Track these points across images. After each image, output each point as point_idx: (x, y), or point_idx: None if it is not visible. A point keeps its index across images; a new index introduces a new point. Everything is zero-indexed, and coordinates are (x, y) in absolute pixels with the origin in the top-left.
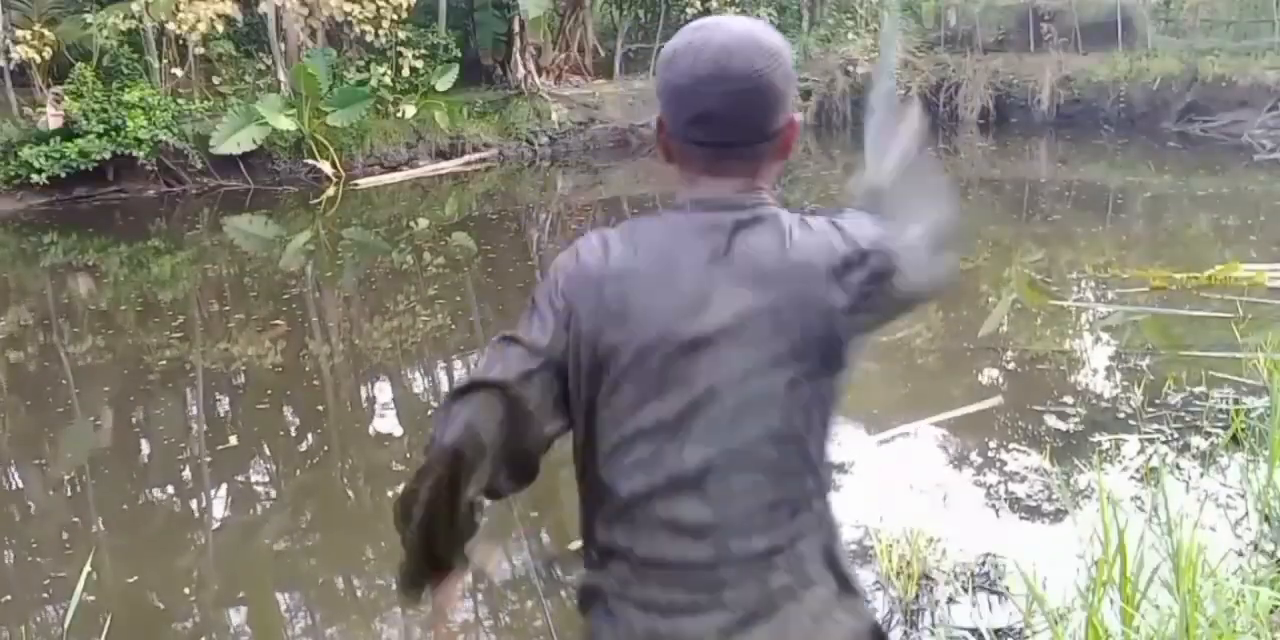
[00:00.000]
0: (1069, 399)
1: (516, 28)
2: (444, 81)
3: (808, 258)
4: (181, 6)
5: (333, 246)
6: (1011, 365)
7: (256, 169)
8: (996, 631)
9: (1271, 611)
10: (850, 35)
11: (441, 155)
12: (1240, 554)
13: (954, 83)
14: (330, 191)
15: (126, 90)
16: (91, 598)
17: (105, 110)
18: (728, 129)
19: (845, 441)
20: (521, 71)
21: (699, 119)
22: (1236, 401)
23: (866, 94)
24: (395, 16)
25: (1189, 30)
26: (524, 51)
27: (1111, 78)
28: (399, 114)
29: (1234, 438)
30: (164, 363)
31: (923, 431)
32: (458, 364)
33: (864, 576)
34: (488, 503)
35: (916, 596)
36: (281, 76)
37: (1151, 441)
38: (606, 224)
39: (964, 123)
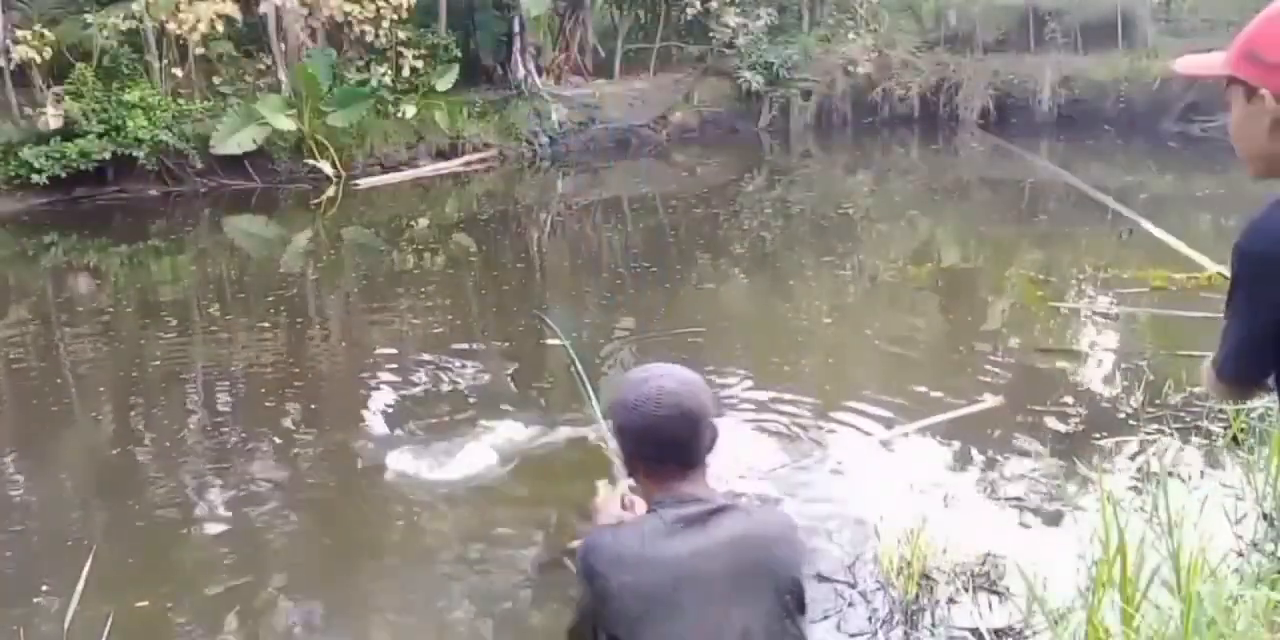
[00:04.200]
0: (1069, 399)
1: (516, 28)
2: (444, 82)
3: None
4: (182, 6)
5: (333, 247)
6: (1012, 365)
7: (257, 169)
8: (996, 631)
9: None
10: (850, 35)
11: (441, 155)
12: (1240, 554)
13: (954, 83)
14: (330, 192)
15: (126, 90)
16: (92, 597)
17: (105, 110)
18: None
19: (847, 441)
20: (521, 71)
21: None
22: (1235, 401)
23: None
24: (395, 16)
25: (1189, 30)
26: (524, 51)
27: (1111, 78)
28: (399, 114)
29: (1234, 438)
30: (163, 363)
31: (923, 432)
32: (457, 364)
33: (864, 576)
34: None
35: (916, 596)
36: (281, 76)
37: (1151, 441)
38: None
39: (964, 123)
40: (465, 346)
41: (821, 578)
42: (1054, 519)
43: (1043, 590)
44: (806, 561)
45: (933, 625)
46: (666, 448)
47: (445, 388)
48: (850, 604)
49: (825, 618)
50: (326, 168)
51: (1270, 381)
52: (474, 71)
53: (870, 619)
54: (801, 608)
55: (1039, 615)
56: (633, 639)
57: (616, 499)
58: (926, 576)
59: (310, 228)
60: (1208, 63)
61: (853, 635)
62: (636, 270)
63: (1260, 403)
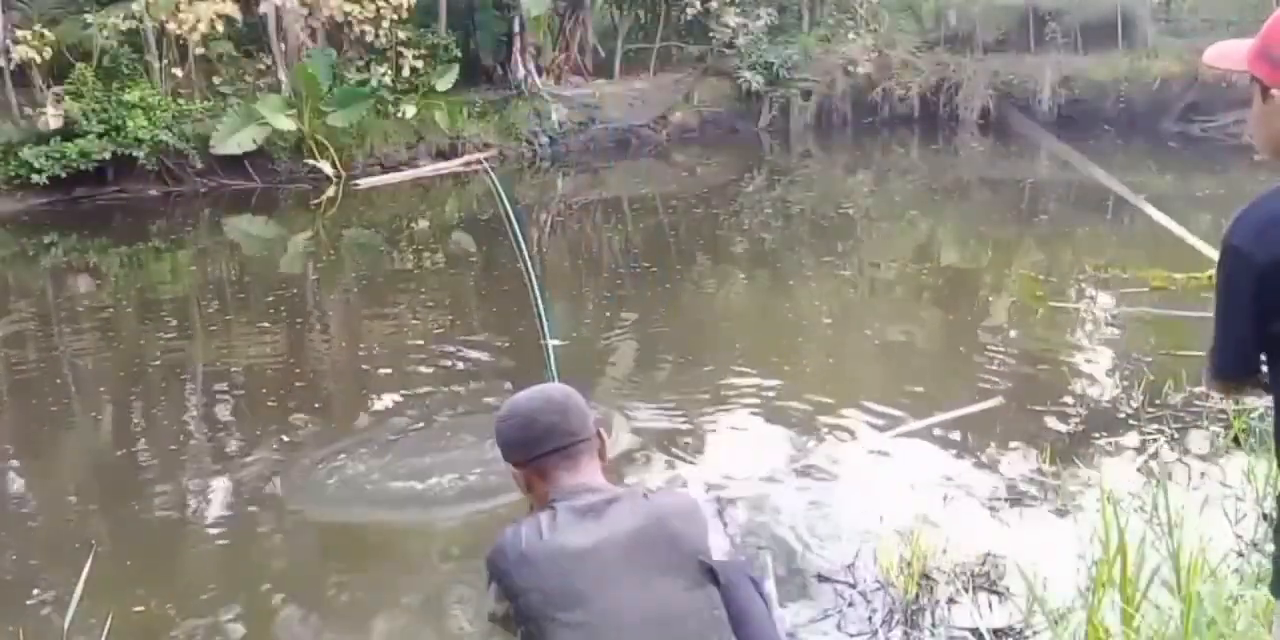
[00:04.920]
0: (1069, 399)
1: (516, 28)
2: (444, 81)
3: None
4: (181, 6)
5: (333, 246)
6: (1012, 365)
7: (257, 169)
8: (996, 631)
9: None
10: (850, 35)
11: (441, 155)
12: (1240, 554)
13: (954, 83)
14: (330, 192)
15: (126, 90)
16: (91, 597)
17: (105, 110)
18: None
19: (847, 442)
20: (521, 71)
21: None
22: (1236, 401)
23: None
24: (395, 16)
25: (1189, 30)
26: (524, 51)
27: (1112, 78)
28: (399, 114)
29: (1234, 438)
30: (163, 363)
31: (923, 432)
32: (457, 364)
33: (864, 576)
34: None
35: (916, 596)
36: (281, 76)
37: (1152, 441)
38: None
39: (964, 123)
40: (466, 347)
41: (821, 578)
42: (1054, 519)
43: (1043, 590)
44: (713, 532)
45: (933, 625)
46: (544, 438)
47: (446, 388)
48: (850, 604)
49: (825, 617)
50: (326, 168)
51: (1266, 381)
52: (474, 71)
53: (870, 619)
54: (715, 580)
55: (1039, 615)
56: (543, 633)
57: None
58: (926, 576)
59: (310, 228)
60: (1232, 55)
61: (853, 635)
62: (636, 270)
63: (1261, 402)
